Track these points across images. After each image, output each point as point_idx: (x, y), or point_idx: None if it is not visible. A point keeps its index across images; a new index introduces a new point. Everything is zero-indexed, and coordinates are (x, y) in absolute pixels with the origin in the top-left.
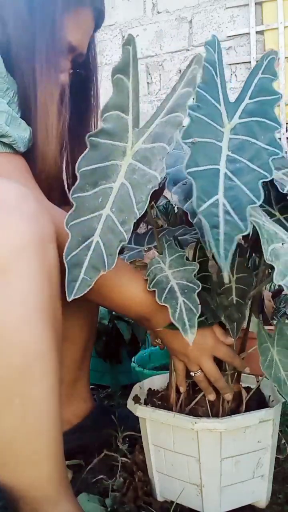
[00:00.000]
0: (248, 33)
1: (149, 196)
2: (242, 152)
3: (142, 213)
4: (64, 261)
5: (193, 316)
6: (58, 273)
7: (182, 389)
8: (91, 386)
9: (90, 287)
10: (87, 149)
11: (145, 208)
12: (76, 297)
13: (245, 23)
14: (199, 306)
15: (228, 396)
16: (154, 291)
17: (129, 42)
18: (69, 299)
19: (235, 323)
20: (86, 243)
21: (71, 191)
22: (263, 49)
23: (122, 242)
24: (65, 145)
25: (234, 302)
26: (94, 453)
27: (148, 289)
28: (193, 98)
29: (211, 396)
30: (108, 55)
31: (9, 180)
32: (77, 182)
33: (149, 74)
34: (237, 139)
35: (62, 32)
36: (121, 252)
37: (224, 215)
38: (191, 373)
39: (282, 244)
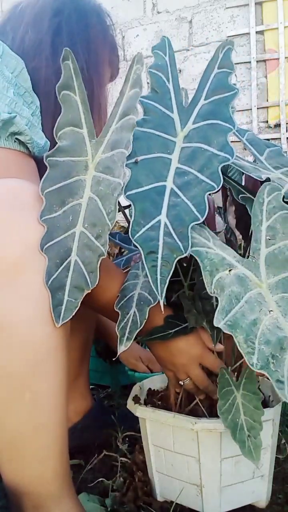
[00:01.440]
0: (248, 33)
1: (117, 204)
2: (192, 162)
3: (113, 223)
4: (45, 287)
5: (134, 329)
6: None
7: (178, 390)
8: (91, 386)
9: (77, 308)
10: (47, 170)
11: (115, 217)
12: (64, 321)
13: (245, 23)
14: (145, 321)
15: (215, 396)
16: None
17: (67, 57)
18: (57, 325)
19: (215, 330)
20: (64, 264)
21: (39, 215)
22: (263, 49)
23: (101, 257)
24: None
25: (215, 306)
26: (94, 453)
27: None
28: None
29: (202, 396)
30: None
31: (25, 181)
32: (43, 205)
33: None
34: (190, 147)
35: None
36: (120, 253)
37: (163, 237)
38: (179, 382)
39: (230, 271)
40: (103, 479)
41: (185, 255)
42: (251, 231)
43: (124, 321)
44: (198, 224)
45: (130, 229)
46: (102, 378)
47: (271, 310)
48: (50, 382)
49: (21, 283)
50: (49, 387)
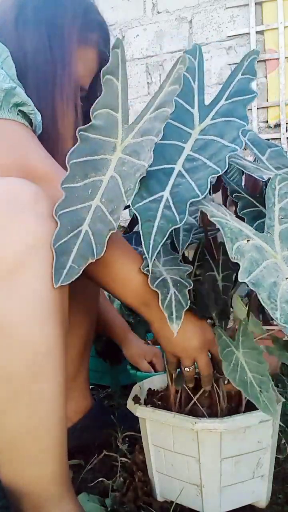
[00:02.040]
0: (248, 33)
1: (136, 184)
2: (203, 151)
3: (130, 200)
4: (51, 248)
5: (181, 308)
6: None
7: (173, 373)
8: (91, 386)
9: (78, 275)
10: (77, 142)
11: (133, 195)
12: (64, 284)
13: (245, 23)
14: (189, 301)
15: (208, 388)
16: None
17: (117, 45)
18: (55, 285)
19: (223, 321)
20: (74, 232)
21: (61, 181)
22: (263, 49)
23: (111, 231)
24: None
25: (221, 298)
26: (94, 453)
27: (141, 271)
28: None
29: (191, 385)
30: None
31: (23, 180)
32: (67, 173)
33: (149, 74)
34: (204, 139)
35: (75, 65)
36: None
37: (163, 209)
38: (184, 368)
39: (247, 241)
40: (103, 479)
41: (179, 225)
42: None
43: (167, 300)
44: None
45: (131, 201)
46: (102, 378)
47: (287, 278)
48: (49, 383)
49: (21, 283)
50: (48, 388)
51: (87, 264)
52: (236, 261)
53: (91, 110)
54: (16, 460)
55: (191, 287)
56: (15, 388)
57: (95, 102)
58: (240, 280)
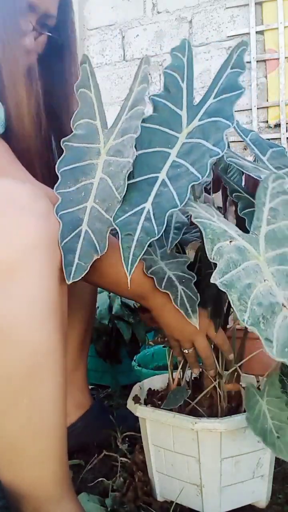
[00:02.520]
0: (248, 33)
1: (125, 179)
2: (188, 156)
3: (123, 196)
4: (59, 246)
5: (193, 302)
6: None
7: (180, 358)
8: (91, 386)
9: (86, 271)
10: (64, 153)
11: (124, 191)
12: (75, 280)
13: (245, 23)
14: (198, 294)
15: (211, 373)
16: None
17: (84, 61)
18: (68, 282)
19: (217, 319)
20: (76, 231)
21: (55, 187)
22: (263, 49)
23: (109, 227)
24: (45, 122)
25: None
26: (94, 453)
27: (146, 274)
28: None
29: (196, 370)
30: (108, 55)
31: (20, 181)
32: (59, 180)
33: (149, 74)
34: (190, 142)
35: None
36: None
37: (143, 222)
38: (184, 350)
39: (230, 242)
40: (103, 479)
41: (157, 237)
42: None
43: (179, 299)
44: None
45: (113, 215)
46: (102, 378)
47: (266, 280)
48: (48, 385)
49: (19, 284)
50: (47, 390)
51: (93, 260)
52: (215, 262)
53: (71, 122)
54: (15, 461)
55: (196, 279)
56: (14, 389)
57: (74, 115)
58: (211, 281)
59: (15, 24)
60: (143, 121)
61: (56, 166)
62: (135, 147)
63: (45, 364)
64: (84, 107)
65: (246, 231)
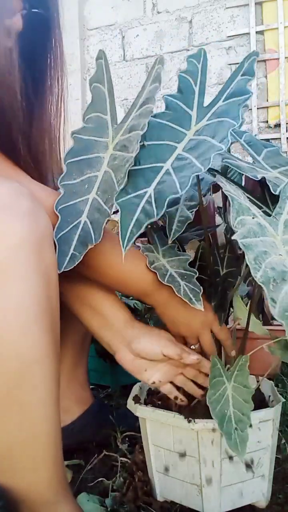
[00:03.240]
0: (248, 33)
1: (126, 173)
2: (193, 150)
3: (121, 188)
4: (54, 239)
5: (197, 293)
6: (55, 271)
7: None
8: (91, 386)
9: (80, 260)
10: (72, 144)
11: (124, 183)
12: (67, 269)
13: (245, 23)
14: (201, 287)
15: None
16: (154, 272)
17: (100, 56)
18: (59, 271)
19: (221, 313)
20: (74, 223)
21: (59, 179)
22: (263, 49)
23: (106, 218)
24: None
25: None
26: (93, 453)
27: (149, 269)
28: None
29: (230, 350)
30: (108, 55)
31: (2, 178)
32: (64, 172)
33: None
34: (196, 139)
35: None
36: None
37: (144, 204)
38: (190, 346)
39: (253, 218)
40: (103, 479)
41: (155, 219)
42: None
43: (182, 290)
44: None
45: (116, 196)
46: (102, 378)
47: (281, 255)
48: (39, 392)
49: (1, 289)
50: (38, 397)
51: (87, 250)
52: (236, 229)
53: (82, 115)
54: (9, 469)
55: (197, 275)
56: (3, 398)
57: (86, 108)
58: (233, 237)
59: (8, 2)
60: (155, 116)
61: (64, 157)
62: (144, 138)
63: (34, 371)
64: (97, 101)
65: None
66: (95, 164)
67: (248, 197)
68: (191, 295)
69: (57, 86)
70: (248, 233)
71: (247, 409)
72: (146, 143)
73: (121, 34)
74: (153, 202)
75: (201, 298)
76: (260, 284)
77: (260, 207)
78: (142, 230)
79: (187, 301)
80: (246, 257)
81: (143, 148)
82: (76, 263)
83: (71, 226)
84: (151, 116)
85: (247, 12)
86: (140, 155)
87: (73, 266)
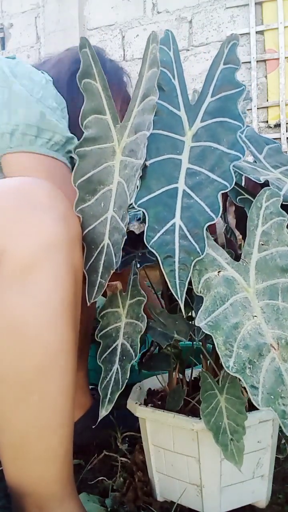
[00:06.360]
0: (248, 33)
1: (137, 184)
2: (203, 161)
3: (132, 201)
4: (84, 271)
5: (116, 390)
6: (81, 272)
7: None
8: (91, 387)
9: (105, 287)
10: (77, 162)
11: (135, 195)
12: (96, 299)
13: (245, 23)
14: (126, 380)
15: None
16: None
17: (84, 45)
18: (89, 303)
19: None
20: (99, 249)
21: (74, 206)
22: (263, 49)
23: (124, 237)
24: None
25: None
26: (94, 453)
27: (96, 338)
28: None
29: None
30: (108, 55)
31: (41, 180)
32: (77, 196)
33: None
34: (199, 146)
35: None
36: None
37: (179, 240)
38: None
39: (219, 272)
40: (103, 479)
41: (202, 256)
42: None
43: (107, 379)
44: None
45: (145, 236)
46: None
47: (255, 316)
48: (58, 384)
49: (33, 283)
50: (57, 389)
51: (111, 274)
52: (201, 295)
53: (79, 120)
54: (21, 458)
55: (136, 358)
56: (25, 387)
57: (81, 110)
58: (196, 323)
59: None
60: None
61: (72, 179)
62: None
63: (56, 364)
64: (91, 100)
65: (246, 231)
66: (106, 177)
67: (248, 197)
68: (109, 391)
69: None
70: (214, 304)
71: (241, 420)
72: (147, 162)
73: (121, 34)
74: (188, 236)
75: (114, 400)
76: (234, 375)
77: None
78: (191, 272)
79: (101, 397)
80: (215, 342)
81: (146, 169)
82: (103, 291)
83: (96, 253)
84: None
85: (247, 12)
86: (147, 178)
87: (100, 295)
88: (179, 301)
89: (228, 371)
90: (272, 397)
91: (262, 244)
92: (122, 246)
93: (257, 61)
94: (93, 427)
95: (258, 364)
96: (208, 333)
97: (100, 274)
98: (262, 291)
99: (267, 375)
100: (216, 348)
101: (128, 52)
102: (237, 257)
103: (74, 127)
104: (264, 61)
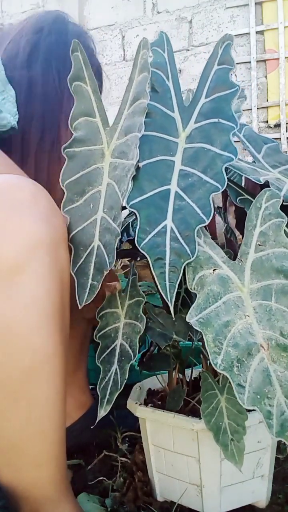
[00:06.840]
0: (248, 33)
1: (129, 184)
2: (195, 163)
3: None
4: (72, 274)
5: (115, 390)
6: (68, 273)
7: None
8: (91, 387)
9: (99, 289)
10: (66, 162)
11: (127, 194)
12: (88, 302)
13: (245, 23)
14: (125, 381)
15: None
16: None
17: (76, 48)
18: (80, 306)
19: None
20: (88, 250)
21: (61, 206)
22: (263, 49)
23: (117, 238)
24: None
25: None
26: (94, 453)
27: (95, 339)
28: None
29: None
30: (108, 55)
31: (23, 178)
32: (64, 196)
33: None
34: (192, 147)
35: None
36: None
37: (170, 243)
38: None
39: (213, 270)
40: (103, 479)
41: (192, 259)
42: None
43: (106, 380)
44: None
45: (136, 238)
46: None
47: (247, 315)
48: (47, 388)
49: (18, 286)
50: (46, 393)
51: (104, 276)
52: (195, 292)
53: (69, 122)
54: (14, 462)
55: (134, 359)
56: (11, 394)
57: (71, 112)
58: (187, 320)
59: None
60: None
61: (60, 179)
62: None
63: (44, 367)
64: (81, 103)
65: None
66: (95, 178)
67: (248, 197)
68: (108, 392)
69: None
70: (207, 301)
71: (242, 420)
72: (140, 164)
73: (121, 34)
74: (179, 238)
75: (113, 401)
76: (222, 372)
77: None
78: (181, 274)
79: (100, 397)
80: (204, 339)
81: (139, 170)
82: (96, 293)
83: (85, 254)
84: None
85: (247, 12)
86: (139, 179)
87: (92, 298)
88: (169, 303)
89: (215, 368)
90: (259, 396)
91: (259, 245)
92: (115, 246)
93: (257, 61)
94: (93, 427)
95: (247, 363)
96: (198, 329)
97: (91, 276)
98: (256, 291)
99: (255, 375)
100: (205, 345)
101: (128, 52)
102: (236, 257)
103: (32, 101)
104: (264, 61)
